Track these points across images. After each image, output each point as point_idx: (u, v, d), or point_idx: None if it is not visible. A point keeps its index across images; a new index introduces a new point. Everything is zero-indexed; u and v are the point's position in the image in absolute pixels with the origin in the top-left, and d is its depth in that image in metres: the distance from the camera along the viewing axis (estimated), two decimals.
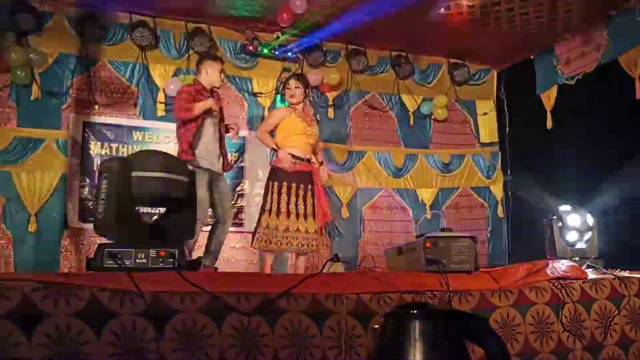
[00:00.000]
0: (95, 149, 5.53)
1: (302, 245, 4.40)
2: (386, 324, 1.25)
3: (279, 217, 4.37)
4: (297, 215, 4.40)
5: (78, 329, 1.97)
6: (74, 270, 5.17)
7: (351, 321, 2.38)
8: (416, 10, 5.27)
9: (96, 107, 5.59)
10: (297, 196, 4.42)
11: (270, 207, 4.38)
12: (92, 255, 2.42)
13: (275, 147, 4.58)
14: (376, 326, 1.31)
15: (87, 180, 5.46)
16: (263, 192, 4.57)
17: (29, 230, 5.16)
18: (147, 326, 2.06)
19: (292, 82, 4.69)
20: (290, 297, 2.34)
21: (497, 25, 5.61)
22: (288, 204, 4.39)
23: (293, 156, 4.46)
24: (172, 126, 5.76)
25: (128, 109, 5.72)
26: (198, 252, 4.53)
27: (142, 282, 2.14)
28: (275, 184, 4.43)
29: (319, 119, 5.03)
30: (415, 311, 1.20)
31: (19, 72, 5.21)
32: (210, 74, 4.59)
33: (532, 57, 6.53)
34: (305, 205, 4.44)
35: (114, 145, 5.60)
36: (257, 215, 4.52)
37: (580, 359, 2.77)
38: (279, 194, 4.40)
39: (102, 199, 2.41)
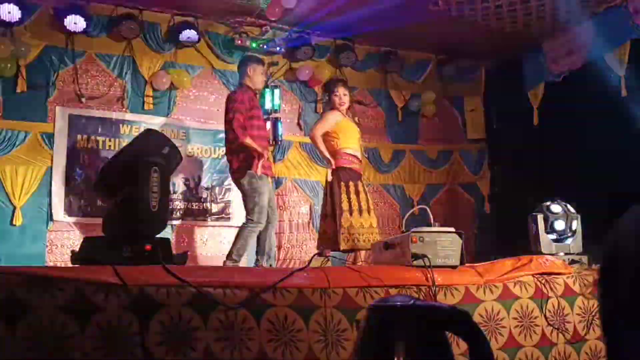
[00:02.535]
0: (82, 142, 5.48)
1: (372, 240, 4.47)
2: (370, 318, 1.26)
3: (359, 215, 4.47)
4: (368, 211, 4.53)
5: (62, 323, 1.96)
6: (60, 264, 5.14)
7: (337, 315, 2.39)
8: (405, 6, 5.28)
9: (82, 100, 5.53)
10: (358, 193, 4.54)
11: (350, 207, 4.48)
12: (78, 249, 2.41)
13: (326, 153, 4.64)
14: (360, 320, 1.32)
15: (73, 174, 5.41)
16: (328, 192, 4.64)
17: (14, 223, 5.12)
18: (132, 320, 2.05)
19: (341, 89, 4.77)
20: (276, 291, 2.34)
21: (485, 22, 5.63)
22: (359, 202, 4.51)
23: (354, 157, 4.65)
24: (159, 119, 5.79)
25: (115, 102, 5.67)
26: None
27: (127, 275, 2.14)
28: (343, 184, 4.53)
29: (358, 121, 5.04)
30: (398, 305, 1.21)
31: (4, 65, 5.14)
32: (253, 77, 4.72)
33: (519, 54, 6.57)
34: (367, 201, 4.57)
35: (100, 139, 5.55)
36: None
37: (563, 352, 2.80)
38: (351, 192, 4.51)
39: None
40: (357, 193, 4.52)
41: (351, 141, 4.69)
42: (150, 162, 2.43)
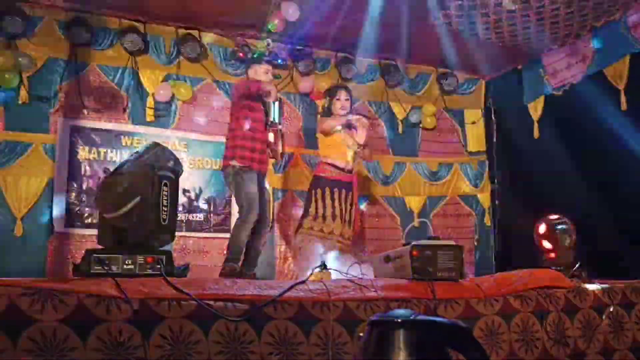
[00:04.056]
0: (83, 153, 5.50)
1: (334, 246, 4.52)
2: (371, 332, 1.27)
3: (321, 220, 4.58)
4: (333, 218, 4.61)
5: (64, 335, 1.97)
6: (60, 276, 5.14)
7: (338, 328, 2.39)
8: (406, 19, 5.32)
9: (85, 111, 5.56)
10: (335, 201, 4.62)
11: (316, 212, 4.59)
12: (79, 261, 2.41)
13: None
14: (361, 334, 1.33)
15: (74, 185, 5.42)
16: (306, 199, 4.78)
17: (15, 234, 5.12)
18: (133, 333, 2.06)
19: (343, 94, 4.82)
20: (277, 304, 2.35)
21: (485, 35, 5.66)
22: (331, 207, 4.60)
23: (334, 166, 4.68)
24: (162, 131, 5.81)
25: (117, 114, 5.69)
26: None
27: (128, 288, 2.14)
28: (319, 190, 4.63)
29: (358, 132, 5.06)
30: (399, 319, 1.22)
31: (6, 76, 5.17)
32: (256, 76, 4.71)
33: (519, 67, 6.60)
34: (343, 210, 4.64)
35: (102, 150, 5.57)
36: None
37: None
38: (323, 199, 4.61)
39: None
40: (332, 199, 4.60)
41: (333, 151, 4.74)
42: (162, 176, 2.47)
